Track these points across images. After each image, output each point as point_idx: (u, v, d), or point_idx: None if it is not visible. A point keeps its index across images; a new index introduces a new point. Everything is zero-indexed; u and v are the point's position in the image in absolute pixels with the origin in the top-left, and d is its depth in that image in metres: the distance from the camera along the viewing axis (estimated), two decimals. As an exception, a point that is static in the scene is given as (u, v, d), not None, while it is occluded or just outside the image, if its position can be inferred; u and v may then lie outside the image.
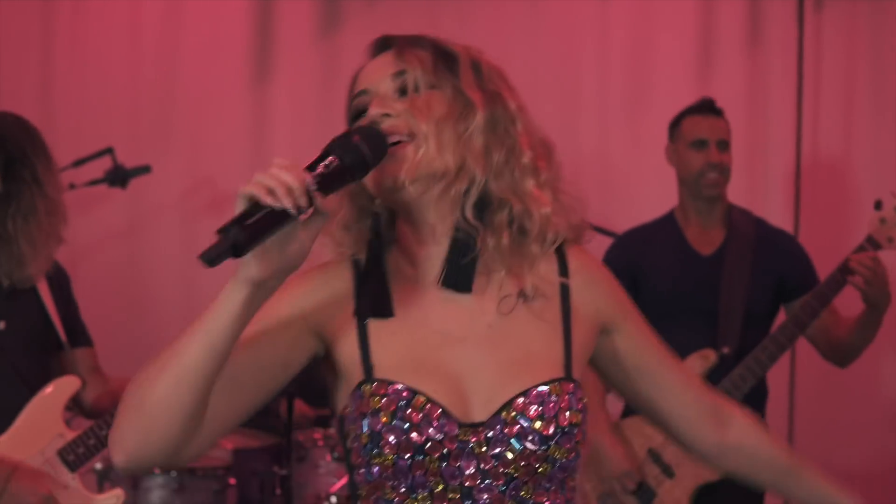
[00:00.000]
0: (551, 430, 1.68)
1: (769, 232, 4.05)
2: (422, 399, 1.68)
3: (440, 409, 1.68)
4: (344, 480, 4.44)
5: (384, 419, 1.67)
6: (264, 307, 1.63)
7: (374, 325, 1.75)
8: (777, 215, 5.30)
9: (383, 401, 1.68)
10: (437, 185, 1.72)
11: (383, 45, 1.84)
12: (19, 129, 3.19)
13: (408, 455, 1.67)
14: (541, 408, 1.69)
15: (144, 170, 4.83)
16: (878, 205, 3.67)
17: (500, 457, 1.68)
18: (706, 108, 4.02)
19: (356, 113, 1.80)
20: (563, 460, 1.71)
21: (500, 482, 1.68)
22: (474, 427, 1.69)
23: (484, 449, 1.68)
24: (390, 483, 1.70)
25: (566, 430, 1.70)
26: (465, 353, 1.74)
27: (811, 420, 5.79)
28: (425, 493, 1.69)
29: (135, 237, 5.90)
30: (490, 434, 1.68)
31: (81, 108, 5.89)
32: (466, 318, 1.76)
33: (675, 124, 4.04)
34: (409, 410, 1.67)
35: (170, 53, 5.98)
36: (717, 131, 3.96)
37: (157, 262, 5.93)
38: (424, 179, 1.71)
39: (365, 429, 1.67)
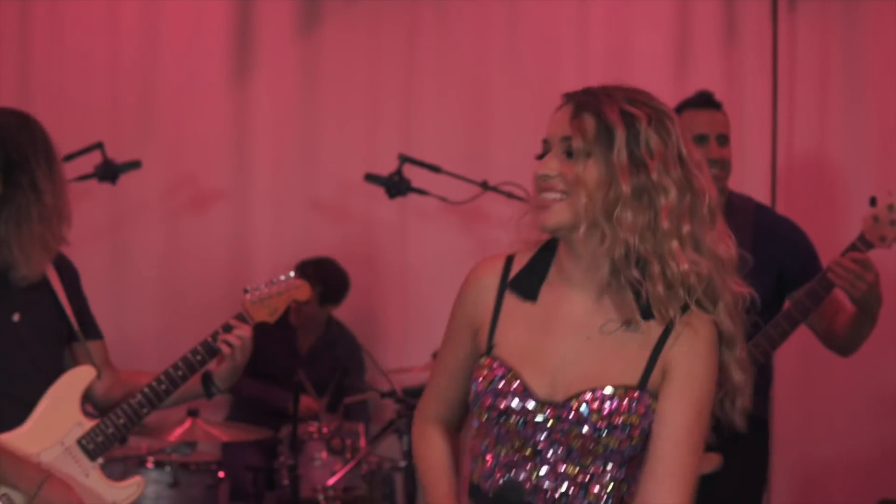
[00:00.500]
0: (603, 425, 2.18)
1: (770, 220, 4.02)
2: (512, 377, 2.24)
3: (523, 387, 2.23)
4: (339, 475, 4.52)
5: (483, 386, 2.26)
6: (455, 319, 2.40)
7: (506, 310, 2.31)
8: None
9: (486, 372, 2.27)
10: (577, 232, 2.19)
11: (568, 97, 2.26)
12: (21, 130, 3.18)
13: (495, 415, 2.25)
14: (598, 405, 2.19)
15: (134, 165, 4.90)
16: (872, 201, 3.62)
17: (565, 432, 2.20)
18: (705, 101, 4.00)
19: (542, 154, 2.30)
20: (616, 447, 2.20)
21: (563, 449, 2.23)
22: (552, 404, 2.22)
23: (552, 423, 2.22)
24: (486, 432, 2.30)
25: (617, 426, 2.18)
26: (564, 350, 2.25)
27: (791, 411, 5.94)
28: (508, 445, 2.27)
29: (117, 234, 5.95)
30: (560, 414, 2.20)
31: (61, 105, 5.91)
32: (574, 326, 2.26)
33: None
34: (501, 384, 2.25)
35: (149, 51, 6.03)
36: (716, 125, 3.93)
37: (139, 258, 5.96)
38: (566, 228, 2.19)
39: (474, 388, 2.28)
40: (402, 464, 4.71)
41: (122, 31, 6.03)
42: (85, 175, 4.90)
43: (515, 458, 2.27)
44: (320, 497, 4.54)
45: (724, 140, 3.90)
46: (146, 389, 3.17)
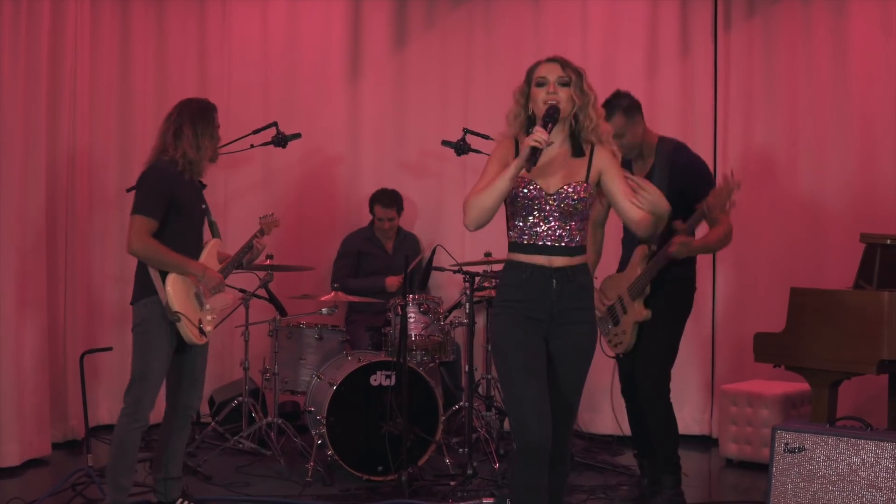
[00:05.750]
0: (574, 199, 4.08)
1: (683, 155, 5.45)
2: (531, 181, 4.12)
3: (538, 185, 4.11)
4: (425, 326, 6.46)
5: (520, 188, 4.12)
6: (497, 156, 4.16)
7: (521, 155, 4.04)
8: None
9: (521, 183, 4.12)
10: (568, 116, 4.15)
11: (553, 59, 4.19)
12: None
13: (525, 200, 4.12)
14: (571, 190, 4.10)
15: (296, 136, 6.82)
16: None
17: (558, 204, 4.12)
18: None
19: (540, 82, 4.15)
20: (580, 209, 4.09)
21: (557, 213, 4.09)
22: (551, 193, 4.11)
23: (553, 201, 4.11)
24: (519, 210, 4.15)
25: (577, 200, 4.09)
26: (553, 167, 4.15)
27: (729, 303, 7.53)
28: (533, 215, 4.11)
29: (268, 186, 7.87)
30: (556, 196, 4.11)
31: (229, 94, 7.85)
32: (553, 157, 4.15)
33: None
34: (527, 187, 4.12)
35: (291, 63, 7.98)
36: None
37: (282, 201, 7.81)
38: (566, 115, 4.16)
39: (514, 193, 4.13)
40: (465, 321, 6.54)
41: (271, 48, 7.96)
42: (265, 142, 6.79)
43: (536, 220, 4.10)
44: (412, 339, 6.41)
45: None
46: (233, 257, 5.53)
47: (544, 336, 4.19)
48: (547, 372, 4.17)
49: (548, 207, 4.15)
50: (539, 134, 3.96)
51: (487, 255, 7.03)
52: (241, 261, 5.60)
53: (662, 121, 6.85)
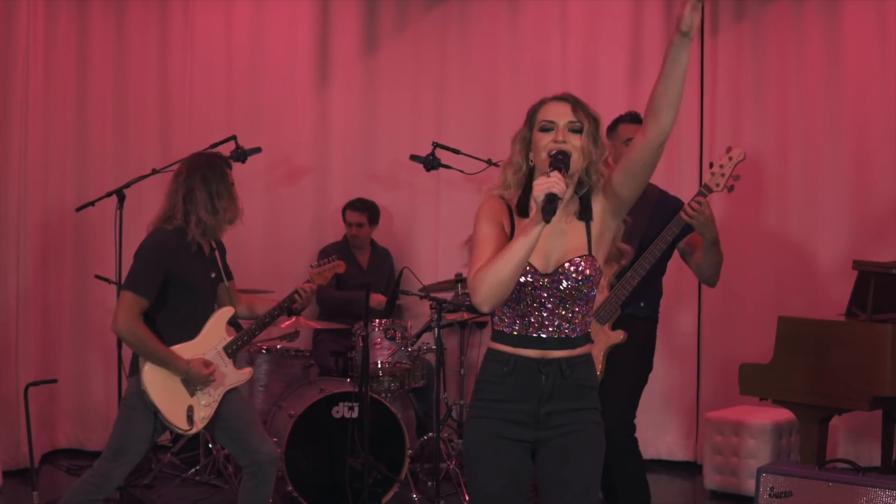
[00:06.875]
0: (580, 278, 3.28)
1: (666, 197, 5.32)
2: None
3: (529, 265, 3.27)
4: (391, 353, 6.20)
5: None
6: (487, 217, 3.30)
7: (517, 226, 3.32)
8: (686, 187, 6.71)
9: None
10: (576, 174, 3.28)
11: (563, 97, 3.35)
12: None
13: (515, 287, 3.26)
14: (573, 269, 3.28)
15: (256, 150, 6.54)
16: (711, 165, 5.08)
17: (557, 288, 3.30)
18: (633, 117, 5.27)
19: (545, 126, 3.30)
20: (585, 292, 3.31)
21: (557, 298, 3.29)
22: (548, 274, 3.30)
23: (548, 284, 3.29)
24: (513, 297, 3.31)
25: (581, 280, 3.28)
26: (548, 240, 3.29)
27: (716, 326, 7.32)
28: (524, 302, 3.30)
29: None
30: (553, 278, 3.29)
31: (192, 103, 7.61)
32: (551, 235, 3.29)
33: (613, 128, 5.34)
34: None
35: (256, 71, 7.72)
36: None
37: (249, 215, 7.12)
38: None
39: None
40: (433, 347, 6.22)
41: (234, 61, 7.70)
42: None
43: (528, 309, 3.31)
44: (378, 366, 6.19)
45: None
46: (257, 321, 5.06)
47: (531, 443, 3.40)
48: (544, 485, 3.41)
49: (544, 293, 3.35)
50: (554, 179, 3.11)
51: (458, 276, 6.69)
52: (270, 321, 5.15)
53: (645, 128, 6.48)
